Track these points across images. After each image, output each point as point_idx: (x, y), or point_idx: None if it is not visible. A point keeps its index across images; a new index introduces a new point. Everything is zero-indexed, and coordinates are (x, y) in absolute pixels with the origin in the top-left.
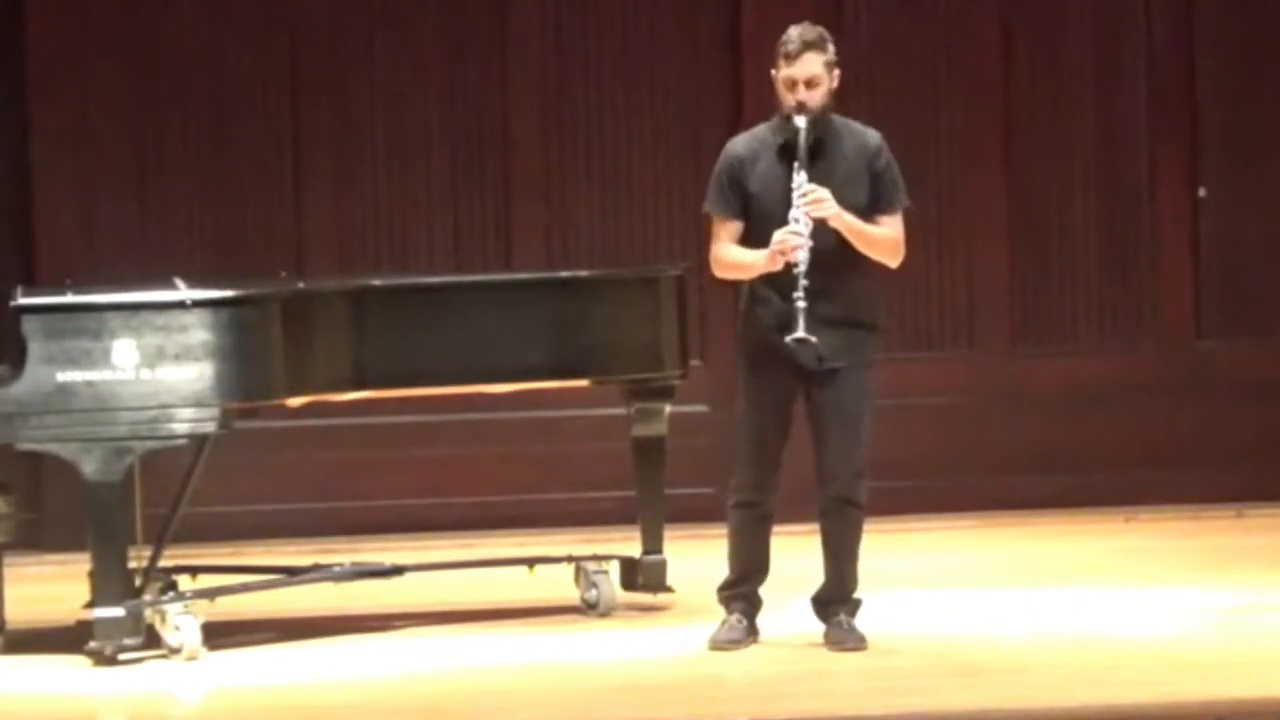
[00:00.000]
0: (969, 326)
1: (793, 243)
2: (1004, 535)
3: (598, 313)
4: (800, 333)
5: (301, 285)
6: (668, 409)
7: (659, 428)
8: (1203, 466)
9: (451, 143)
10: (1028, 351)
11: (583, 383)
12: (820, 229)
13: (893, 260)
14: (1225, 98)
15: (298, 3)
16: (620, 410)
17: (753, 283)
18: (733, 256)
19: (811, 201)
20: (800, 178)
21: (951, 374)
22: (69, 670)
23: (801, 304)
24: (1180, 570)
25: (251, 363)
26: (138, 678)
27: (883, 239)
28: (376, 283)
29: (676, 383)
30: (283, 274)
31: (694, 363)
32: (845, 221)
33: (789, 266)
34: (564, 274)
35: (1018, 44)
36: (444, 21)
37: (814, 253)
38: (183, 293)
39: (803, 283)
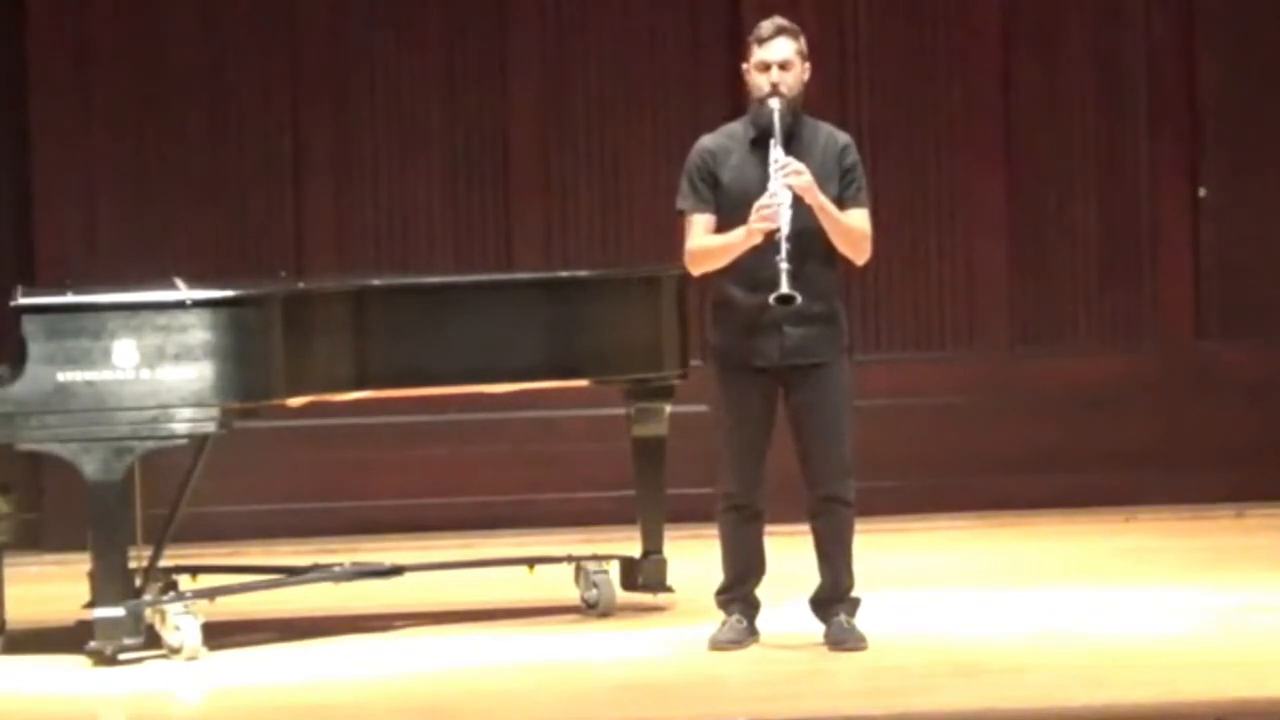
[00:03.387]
0: (969, 326)
1: (773, 208)
2: (1004, 535)
3: (598, 313)
4: (785, 289)
5: (301, 285)
6: (668, 409)
7: (659, 428)
8: (1203, 466)
9: (451, 143)
10: (1028, 351)
11: (583, 383)
12: (796, 223)
13: (860, 254)
14: (1225, 98)
15: (298, 3)
16: (620, 410)
17: (718, 285)
18: (710, 243)
19: (790, 173)
20: (778, 152)
21: (951, 374)
22: (69, 670)
23: (785, 265)
24: (1180, 570)
25: (251, 363)
26: (138, 678)
27: (854, 227)
28: (376, 283)
29: (676, 383)
30: (283, 274)
31: (694, 363)
32: (820, 199)
33: (764, 243)
34: (564, 274)
35: (1018, 44)
36: (444, 21)
37: (791, 248)
38: (183, 293)
39: (785, 246)
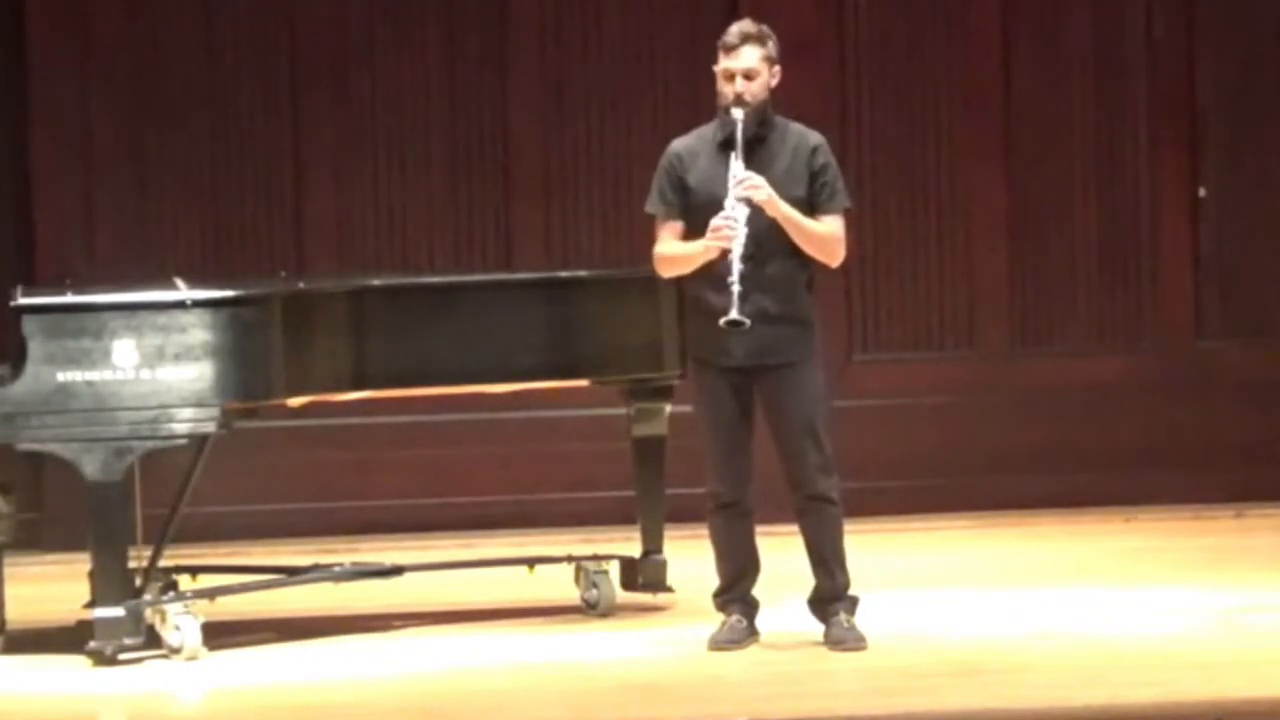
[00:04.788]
0: (969, 326)
1: (728, 230)
2: (1004, 535)
3: (598, 313)
4: (734, 314)
5: (301, 285)
6: (668, 409)
7: (659, 428)
8: (1203, 466)
9: (451, 143)
10: (1028, 351)
11: (582, 383)
12: (761, 222)
13: (831, 258)
14: (1225, 98)
15: (298, 3)
16: (620, 410)
17: (692, 288)
18: (673, 250)
19: (749, 188)
20: (737, 166)
21: (951, 374)
22: (69, 670)
23: (736, 288)
24: (1180, 570)
25: (251, 363)
26: (138, 678)
27: (819, 233)
28: (376, 283)
29: (676, 383)
30: (283, 274)
31: None
32: (781, 210)
33: (725, 254)
34: (564, 274)
35: (1018, 44)
36: (444, 21)
37: (756, 248)
38: (183, 293)
39: (738, 267)
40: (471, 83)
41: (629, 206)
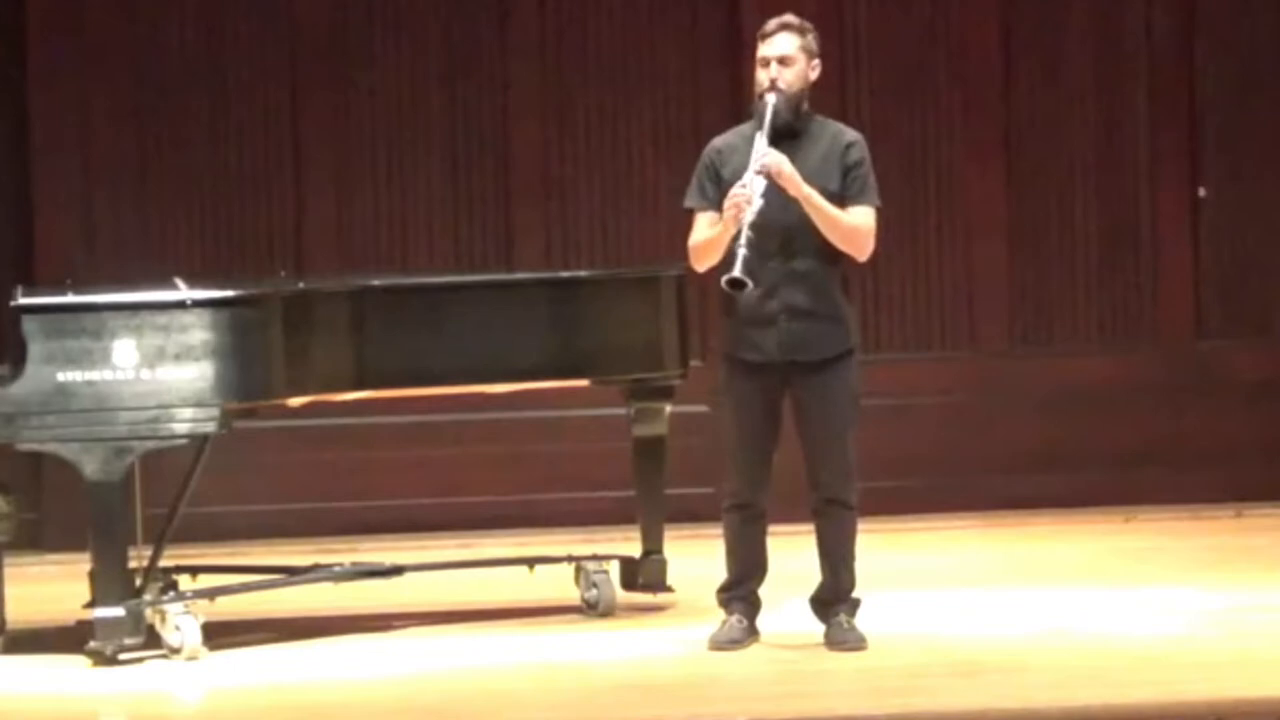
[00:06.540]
0: (969, 326)
1: (741, 195)
2: (1004, 535)
3: (598, 313)
4: (736, 272)
5: (301, 285)
6: (668, 409)
7: (659, 428)
8: (1203, 466)
9: (451, 143)
10: (1028, 351)
11: (583, 383)
12: (791, 218)
13: (857, 249)
14: (1225, 98)
15: (298, 3)
16: (620, 410)
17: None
18: (702, 237)
19: (765, 159)
20: (761, 144)
21: (951, 374)
22: (69, 670)
23: (742, 251)
24: (1180, 570)
25: (251, 363)
26: (138, 678)
27: (846, 223)
28: (376, 283)
29: (676, 383)
30: (283, 274)
31: (694, 363)
32: (804, 191)
33: (758, 242)
34: (564, 274)
35: (1018, 43)
36: (444, 22)
37: (786, 243)
38: (183, 293)
39: (747, 233)
40: (471, 83)
41: (629, 206)
